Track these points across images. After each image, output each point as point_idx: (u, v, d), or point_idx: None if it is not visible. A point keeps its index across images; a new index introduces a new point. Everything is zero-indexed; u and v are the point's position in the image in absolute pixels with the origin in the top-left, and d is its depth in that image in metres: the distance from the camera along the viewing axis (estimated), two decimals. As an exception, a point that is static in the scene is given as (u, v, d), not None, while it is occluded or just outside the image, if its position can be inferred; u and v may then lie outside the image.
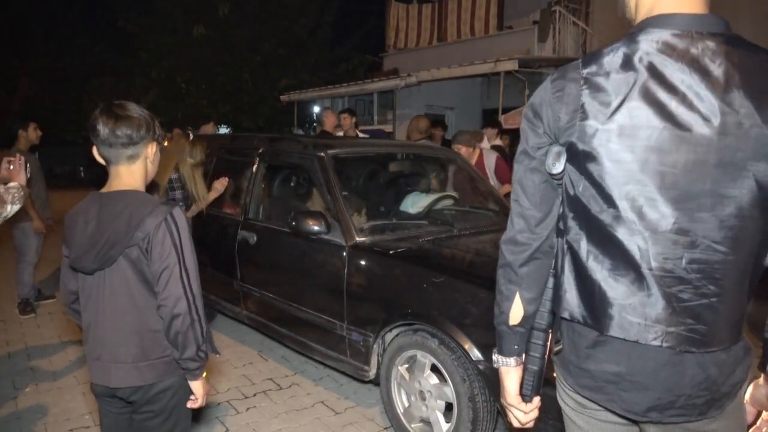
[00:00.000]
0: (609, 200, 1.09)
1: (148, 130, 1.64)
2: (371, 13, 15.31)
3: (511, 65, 7.88)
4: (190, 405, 1.74)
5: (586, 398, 1.24)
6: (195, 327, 1.61)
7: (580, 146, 1.10)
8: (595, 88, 1.08)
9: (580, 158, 1.11)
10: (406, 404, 2.78)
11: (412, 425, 2.75)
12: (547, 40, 9.62)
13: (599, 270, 1.12)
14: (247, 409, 3.22)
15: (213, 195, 3.92)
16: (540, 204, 1.22)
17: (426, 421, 2.70)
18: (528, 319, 1.29)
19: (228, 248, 3.78)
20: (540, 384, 1.35)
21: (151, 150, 1.69)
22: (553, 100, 1.14)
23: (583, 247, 1.14)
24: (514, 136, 7.98)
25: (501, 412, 2.42)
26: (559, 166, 1.16)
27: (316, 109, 13.05)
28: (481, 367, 2.35)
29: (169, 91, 14.11)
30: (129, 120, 1.60)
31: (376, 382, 2.98)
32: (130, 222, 1.57)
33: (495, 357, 1.35)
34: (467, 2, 11.43)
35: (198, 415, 3.03)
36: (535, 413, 1.37)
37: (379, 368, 2.89)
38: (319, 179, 3.27)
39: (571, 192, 1.16)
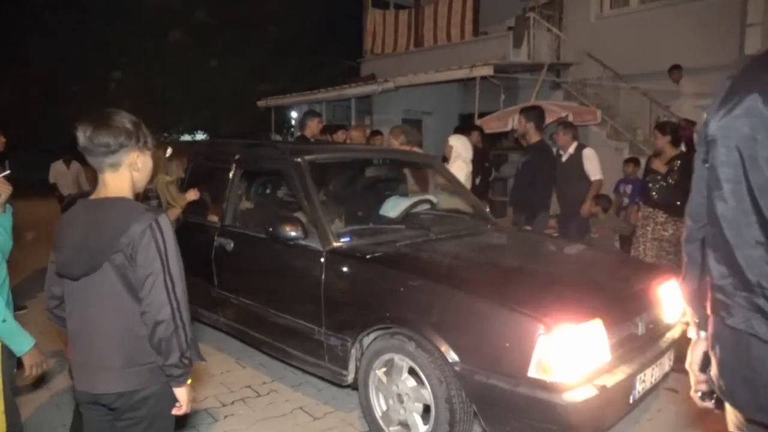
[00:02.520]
0: None
1: (129, 138, 1.64)
2: (349, 19, 15.37)
3: (487, 71, 7.98)
4: (174, 412, 1.74)
5: None
6: (179, 333, 1.62)
7: None
8: None
9: None
10: (384, 408, 2.80)
11: (391, 428, 2.77)
12: (522, 45, 9.76)
13: None
14: (225, 416, 3.20)
15: (183, 203, 3.87)
16: None
17: (404, 424, 2.72)
18: None
19: (205, 255, 3.75)
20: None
21: (136, 158, 1.69)
22: None
23: None
24: (490, 140, 8.09)
25: (477, 414, 2.46)
26: None
27: (294, 114, 13.03)
28: (457, 368, 2.38)
29: (145, 97, 13.95)
30: (108, 128, 1.61)
31: (354, 386, 2.99)
32: (115, 228, 1.58)
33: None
34: (443, 8, 11.54)
35: (178, 423, 3.00)
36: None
37: (357, 372, 2.90)
38: (296, 185, 3.27)
39: None
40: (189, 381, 1.70)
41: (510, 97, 9.56)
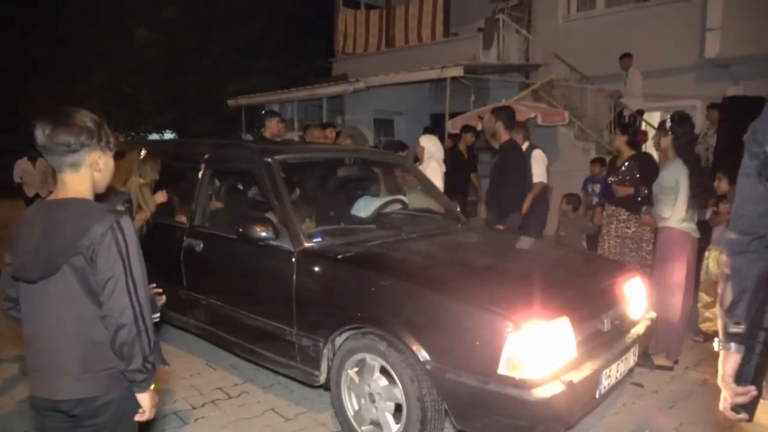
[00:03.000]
0: None
1: (91, 137, 1.60)
2: (321, 18, 15.29)
3: (457, 71, 8.05)
4: (137, 418, 1.70)
5: None
6: (141, 338, 1.59)
7: None
8: None
9: None
10: (357, 407, 2.81)
11: (363, 428, 2.77)
12: (492, 47, 9.87)
13: None
14: (196, 419, 3.16)
15: (151, 207, 3.80)
16: None
17: (376, 423, 2.73)
18: None
19: (174, 256, 3.70)
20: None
21: (97, 158, 1.65)
22: None
23: None
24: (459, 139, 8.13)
25: (448, 411, 2.49)
26: None
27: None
28: (428, 367, 2.41)
29: (113, 96, 13.62)
30: (68, 126, 1.56)
31: (326, 386, 2.99)
32: (75, 230, 1.53)
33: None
34: (414, 9, 11.59)
35: (144, 428, 2.95)
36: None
37: (329, 373, 2.90)
38: (267, 185, 3.25)
39: None
40: (152, 386, 1.67)
41: (480, 97, 9.66)
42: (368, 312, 2.64)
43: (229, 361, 3.93)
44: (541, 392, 2.21)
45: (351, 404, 2.83)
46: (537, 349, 2.25)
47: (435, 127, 8.62)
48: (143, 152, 3.79)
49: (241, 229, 3.03)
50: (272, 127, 5.62)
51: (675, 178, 3.61)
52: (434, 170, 5.22)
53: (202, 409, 3.29)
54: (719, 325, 1.45)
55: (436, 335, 2.42)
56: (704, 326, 4.42)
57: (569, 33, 9.95)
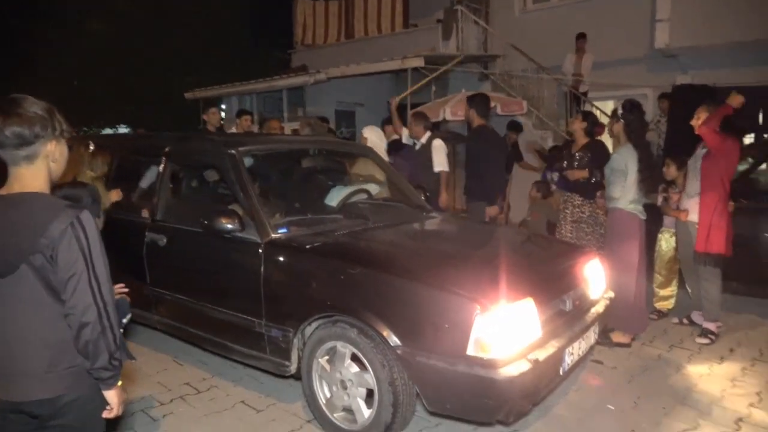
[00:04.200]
0: None
1: (45, 127, 1.54)
2: (279, 9, 15.06)
3: (417, 62, 8.10)
4: (105, 415, 1.67)
5: None
6: (106, 335, 1.56)
7: None
8: None
9: None
10: (328, 395, 2.83)
11: (335, 415, 2.80)
12: (451, 38, 9.96)
13: None
14: (164, 415, 3.13)
15: (109, 200, 3.71)
16: None
17: (348, 410, 2.77)
18: None
19: (136, 252, 3.62)
20: None
21: (53, 148, 1.60)
22: None
23: None
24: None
25: (419, 394, 2.54)
26: None
27: (224, 106, 12.67)
28: (399, 352, 2.45)
29: (64, 89, 13.10)
30: (19, 117, 1.50)
31: (297, 376, 3.00)
32: (33, 228, 1.48)
33: None
34: (373, 0, 11.58)
35: (110, 426, 2.90)
36: None
37: (299, 362, 2.91)
38: (231, 177, 3.22)
39: None
40: (120, 382, 1.65)
41: (441, 88, 9.75)
42: (338, 300, 2.66)
43: (196, 357, 3.89)
44: (509, 371, 2.28)
45: (323, 392, 2.85)
46: (504, 330, 2.33)
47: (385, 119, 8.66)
48: (92, 146, 3.68)
49: (206, 222, 3.00)
50: (212, 120, 5.68)
51: (624, 161, 3.77)
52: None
53: (171, 405, 3.26)
54: None
55: (405, 320, 2.46)
56: (659, 305, 4.63)
57: (526, 24, 10.13)
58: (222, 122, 12.68)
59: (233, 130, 6.92)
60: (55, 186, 1.69)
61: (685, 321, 4.42)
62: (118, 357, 1.60)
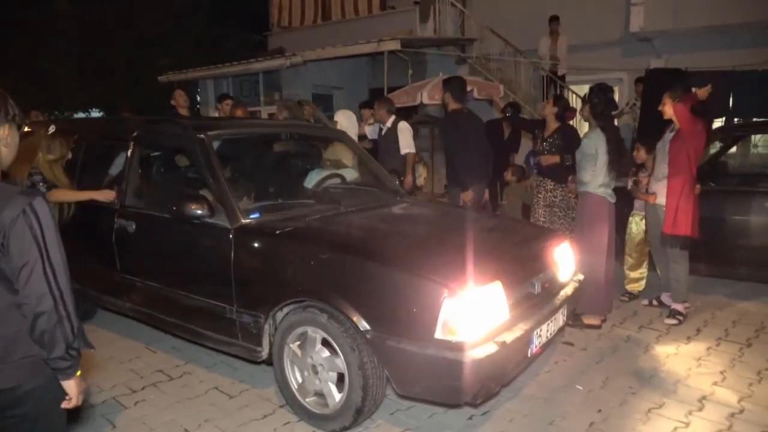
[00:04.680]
0: None
1: None
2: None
3: (394, 45, 8.05)
4: (64, 405, 1.65)
5: None
6: (63, 324, 1.53)
7: None
8: None
9: None
10: (300, 380, 2.84)
11: (307, 399, 2.81)
12: (429, 20, 9.90)
13: None
14: (136, 403, 3.11)
15: (89, 194, 3.58)
16: None
17: (320, 394, 2.78)
18: None
19: (104, 238, 3.56)
20: None
21: (5, 133, 1.56)
22: None
23: None
24: (403, 114, 8.17)
25: (389, 378, 2.56)
26: None
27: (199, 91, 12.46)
28: (368, 336, 2.46)
29: (30, 71, 12.72)
30: None
31: (269, 362, 3.00)
32: None
33: None
34: (350, -19, 11.45)
35: (78, 415, 2.88)
36: None
37: (271, 348, 2.91)
38: (201, 162, 3.18)
39: None
40: (79, 372, 1.62)
41: (418, 71, 9.71)
42: (308, 285, 2.66)
43: (169, 344, 3.86)
44: (476, 353, 2.31)
45: (294, 377, 2.85)
46: (471, 313, 2.35)
47: (372, 101, 8.62)
48: (52, 128, 3.58)
49: (175, 208, 2.96)
50: (179, 101, 5.66)
51: (594, 145, 3.81)
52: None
53: (143, 392, 3.24)
54: None
55: (374, 305, 2.47)
56: (629, 287, 4.72)
57: (503, 7, 10.11)
58: (198, 107, 12.53)
59: (216, 115, 6.83)
60: None
61: (654, 302, 4.52)
62: (76, 347, 1.58)
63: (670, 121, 3.94)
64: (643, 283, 4.73)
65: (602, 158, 3.80)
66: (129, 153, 3.58)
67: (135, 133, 3.61)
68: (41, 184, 3.35)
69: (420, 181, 7.84)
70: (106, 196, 3.55)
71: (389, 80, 8.69)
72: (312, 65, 9.85)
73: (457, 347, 2.31)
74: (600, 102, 3.82)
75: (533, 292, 2.87)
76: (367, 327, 2.46)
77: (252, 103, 10.94)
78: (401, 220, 3.34)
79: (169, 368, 3.54)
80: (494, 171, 5.25)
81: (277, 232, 2.88)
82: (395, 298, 2.43)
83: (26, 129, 3.52)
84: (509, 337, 2.49)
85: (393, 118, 5.32)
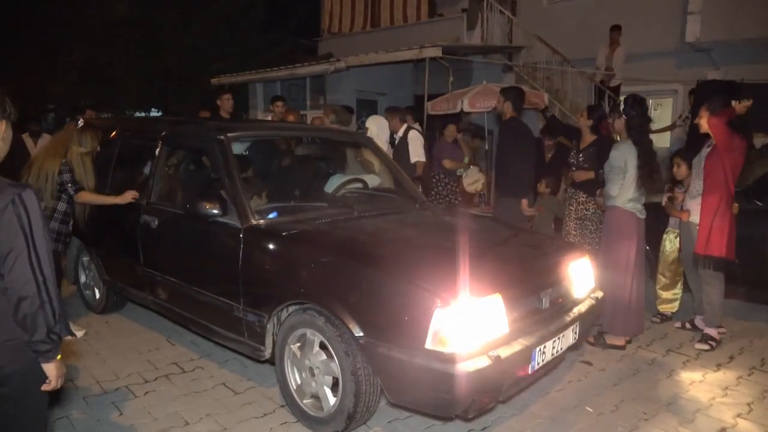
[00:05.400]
0: None
1: None
2: (307, -3, 15.09)
3: (435, 52, 8.00)
4: (44, 388, 1.72)
5: None
6: (45, 309, 1.60)
7: None
8: None
9: None
10: (299, 381, 2.85)
11: (304, 401, 2.82)
12: (476, 28, 9.81)
13: None
14: (146, 393, 3.21)
15: (112, 200, 3.73)
16: None
17: (316, 397, 2.78)
18: None
19: (132, 233, 3.72)
20: None
21: (3, 129, 1.66)
22: None
23: None
24: (440, 122, 8.12)
25: (384, 389, 2.53)
26: None
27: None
28: (362, 342, 2.45)
29: (92, 73, 13.46)
30: None
31: (273, 361, 3.03)
32: None
33: None
34: (400, -11, 11.51)
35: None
36: None
37: (274, 348, 2.94)
38: (218, 162, 3.26)
39: None
40: (59, 356, 1.69)
41: (463, 79, 9.63)
42: (308, 288, 2.67)
43: (188, 338, 3.98)
44: (466, 366, 2.25)
45: (294, 378, 2.87)
46: (464, 325, 2.29)
47: (416, 107, 8.60)
48: (80, 122, 3.75)
49: (188, 206, 3.05)
50: (225, 106, 5.81)
51: (624, 158, 3.64)
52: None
53: (155, 382, 3.34)
54: None
55: (368, 311, 2.46)
56: (662, 308, 4.49)
57: (552, 15, 9.91)
58: (247, 111, 12.86)
59: (268, 117, 6.91)
60: None
61: (687, 325, 4.28)
62: (56, 331, 1.64)
63: (707, 136, 3.73)
64: (676, 304, 4.49)
65: (631, 172, 3.63)
66: (156, 151, 3.72)
67: (163, 133, 3.75)
68: (69, 185, 3.52)
69: (477, 187, 7.75)
70: (126, 198, 3.69)
71: (432, 87, 8.64)
72: (357, 71, 9.94)
73: (447, 359, 2.26)
74: (637, 114, 3.65)
75: (540, 307, 2.78)
76: (361, 333, 2.45)
77: (300, 107, 11.15)
78: (410, 227, 3.30)
79: (184, 361, 3.64)
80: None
81: (283, 233, 2.92)
82: (388, 305, 2.41)
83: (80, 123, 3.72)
84: (505, 352, 2.41)
85: (405, 126, 5.39)
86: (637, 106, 3.67)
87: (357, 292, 2.50)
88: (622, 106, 3.74)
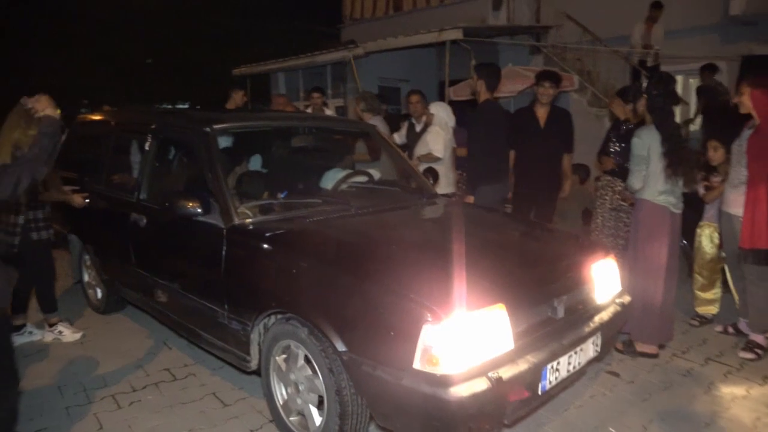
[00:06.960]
0: None
1: None
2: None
3: (456, 34, 7.59)
4: None
5: None
6: None
7: None
8: None
9: None
10: (285, 396, 2.60)
11: (291, 418, 2.57)
12: (501, 8, 9.33)
13: None
14: (131, 403, 3.02)
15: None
16: None
17: (302, 414, 2.52)
18: None
19: (123, 231, 3.54)
20: None
21: None
22: None
23: None
24: (463, 108, 7.74)
25: (371, 411, 2.25)
26: None
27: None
28: (345, 358, 2.17)
29: (115, 66, 13.55)
30: None
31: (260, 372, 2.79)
32: None
33: None
34: (422, -30, 11.08)
35: (60, 411, 2.84)
36: None
37: (260, 358, 2.69)
38: (202, 156, 3.01)
39: None
40: None
41: (488, 61, 9.15)
42: (289, 295, 2.40)
43: (186, 342, 3.78)
44: (460, 390, 1.94)
45: (280, 393, 2.62)
46: (459, 341, 1.98)
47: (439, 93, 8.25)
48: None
49: (167, 204, 2.82)
50: (236, 99, 5.57)
51: (646, 145, 3.22)
52: (436, 134, 4.90)
53: (143, 391, 3.15)
54: None
55: (352, 323, 2.17)
56: (701, 309, 4.06)
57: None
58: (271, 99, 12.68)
59: (309, 110, 6.52)
60: None
61: (730, 330, 3.84)
62: None
63: (749, 116, 3.28)
64: (717, 305, 4.05)
65: (656, 161, 3.21)
66: (146, 146, 3.51)
67: (152, 126, 3.54)
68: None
69: None
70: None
71: (455, 72, 8.25)
72: (378, 57, 9.60)
73: (438, 381, 1.95)
74: (659, 94, 3.22)
75: (554, 317, 2.43)
76: (344, 348, 2.17)
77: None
78: (409, 226, 2.99)
79: (177, 367, 3.44)
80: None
81: (267, 234, 2.65)
82: (372, 318, 2.11)
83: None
84: (508, 372, 2.08)
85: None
86: (661, 85, 3.24)
87: (340, 302, 2.21)
88: (643, 85, 3.32)
